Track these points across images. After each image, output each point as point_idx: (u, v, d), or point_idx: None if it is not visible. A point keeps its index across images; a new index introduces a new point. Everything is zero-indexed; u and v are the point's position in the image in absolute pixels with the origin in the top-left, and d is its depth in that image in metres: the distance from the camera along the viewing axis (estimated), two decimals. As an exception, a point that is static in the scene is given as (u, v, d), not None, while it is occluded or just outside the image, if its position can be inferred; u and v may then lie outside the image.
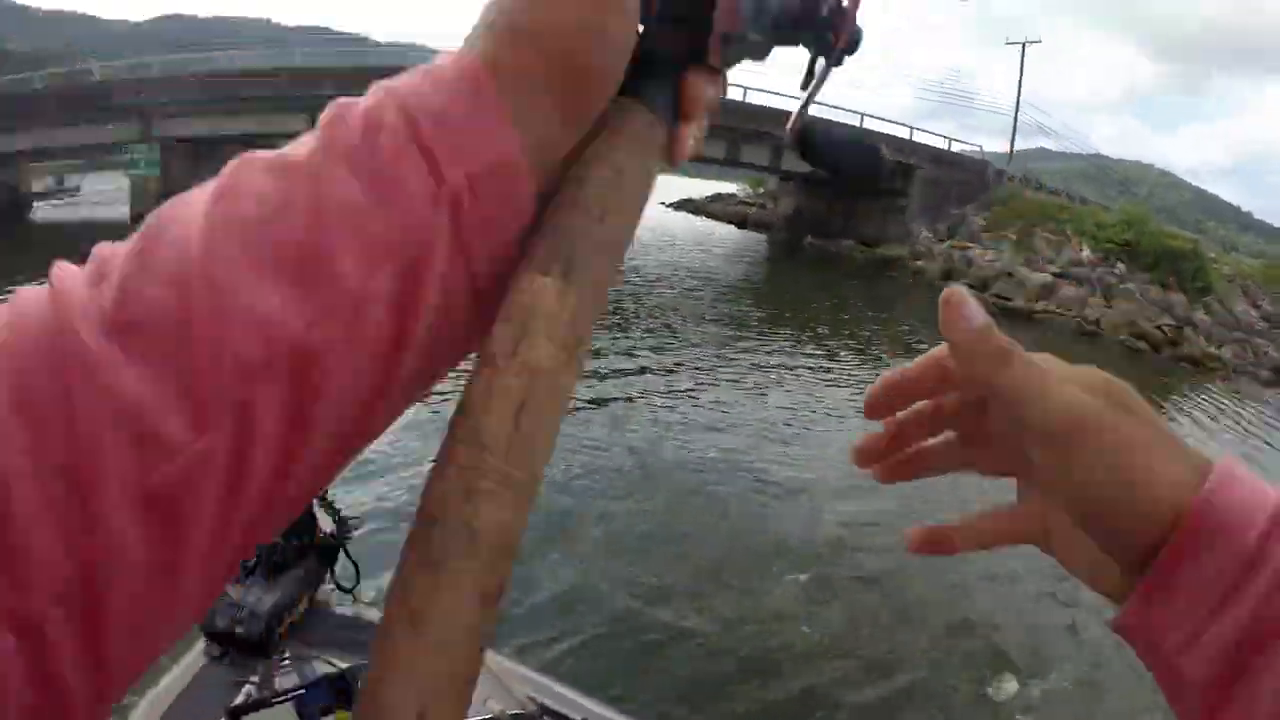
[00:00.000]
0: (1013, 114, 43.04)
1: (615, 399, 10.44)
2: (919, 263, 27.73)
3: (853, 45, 0.50)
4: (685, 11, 0.45)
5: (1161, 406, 15.74)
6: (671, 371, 12.35)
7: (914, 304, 22.45)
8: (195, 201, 0.39)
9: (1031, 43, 42.26)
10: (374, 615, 1.97)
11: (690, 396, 11.15)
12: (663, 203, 52.88)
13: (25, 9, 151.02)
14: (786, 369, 13.18)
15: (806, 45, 0.51)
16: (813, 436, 9.99)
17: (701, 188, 62.86)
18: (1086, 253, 26.69)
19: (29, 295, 0.36)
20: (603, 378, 11.22)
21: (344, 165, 0.38)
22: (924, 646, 5.54)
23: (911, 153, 33.27)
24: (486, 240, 0.41)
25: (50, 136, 27.87)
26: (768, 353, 14.11)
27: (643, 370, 12.13)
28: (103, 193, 38.26)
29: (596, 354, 12.43)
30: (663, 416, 10.11)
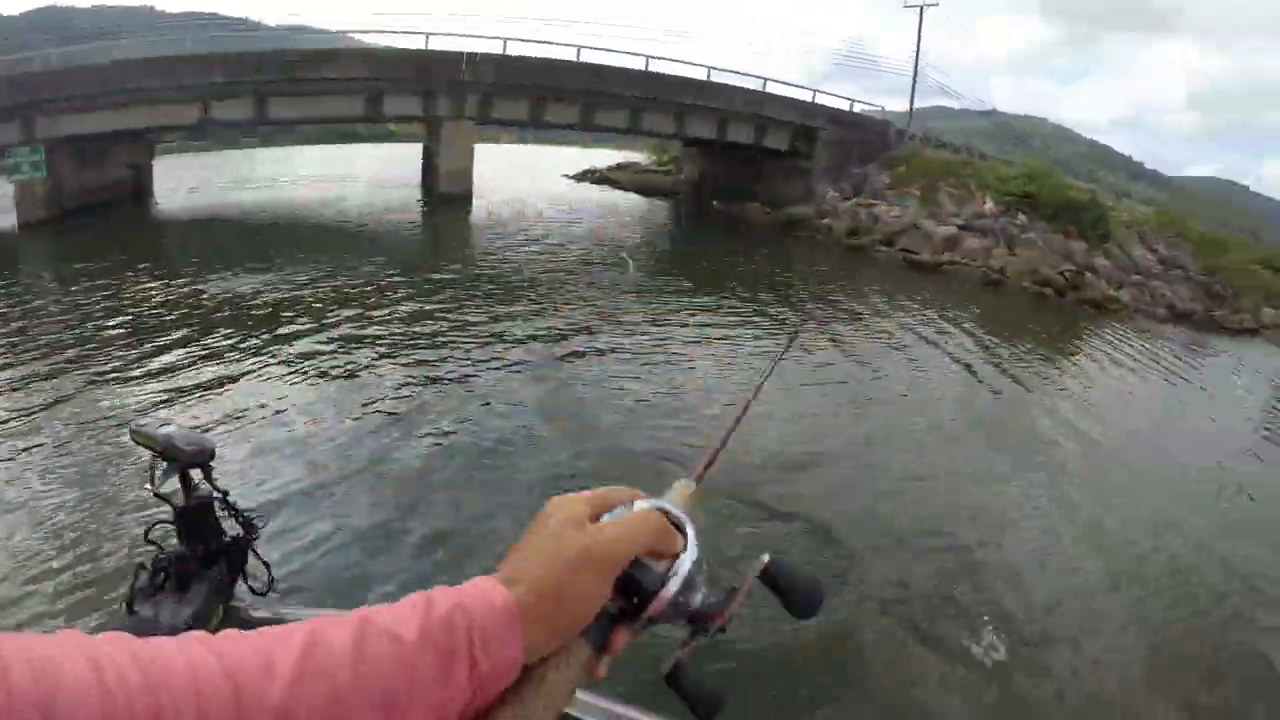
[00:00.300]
0: (912, 75, 43.43)
1: (542, 371, 10.24)
2: (825, 221, 27.64)
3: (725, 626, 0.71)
4: (632, 597, 0.69)
5: (1072, 346, 16.08)
6: (594, 341, 12.06)
7: (821, 259, 22.60)
8: (338, 646, 0.58)
9: (929, 4, 42.59)
10: (293, 613, 1.78)
11: (612, 361, 11.01)
12: (566, 175, 52.23)
13: None
14: (707, 329, 13.03)
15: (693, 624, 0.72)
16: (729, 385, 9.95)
17: (604, 157, 62.36)
18: (989, 205, 26.90)
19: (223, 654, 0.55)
20: (523, 354, 10.98)
21: (431, 652, 0.59)
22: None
23: (814, 115, 33.18)
24: (491, 692, 0.62)
25: None
26: (688, 315, 13.89)
27: (563, 339, 11.90)
28: None
29: (514, 328, 12.29)
30: (590, 379, 10.06)
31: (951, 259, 23.52)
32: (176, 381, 9.16)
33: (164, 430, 1.62)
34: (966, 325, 15.62)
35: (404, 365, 10.15)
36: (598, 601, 0.67)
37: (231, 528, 1.78)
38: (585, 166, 53.52)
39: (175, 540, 1.63)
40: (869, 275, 20.88)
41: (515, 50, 30.36)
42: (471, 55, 29.26)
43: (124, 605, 1.54)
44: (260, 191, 37.13)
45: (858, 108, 35.45)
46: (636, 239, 26.36)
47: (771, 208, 30.87)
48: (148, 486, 1.59)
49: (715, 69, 32.56)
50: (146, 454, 1.57)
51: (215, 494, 1.68)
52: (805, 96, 34.20)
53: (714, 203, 32.95)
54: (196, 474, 1.64)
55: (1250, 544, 7.37)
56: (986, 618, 5.54)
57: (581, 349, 11.44)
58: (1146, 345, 17.35)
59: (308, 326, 11.79)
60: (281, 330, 11.50)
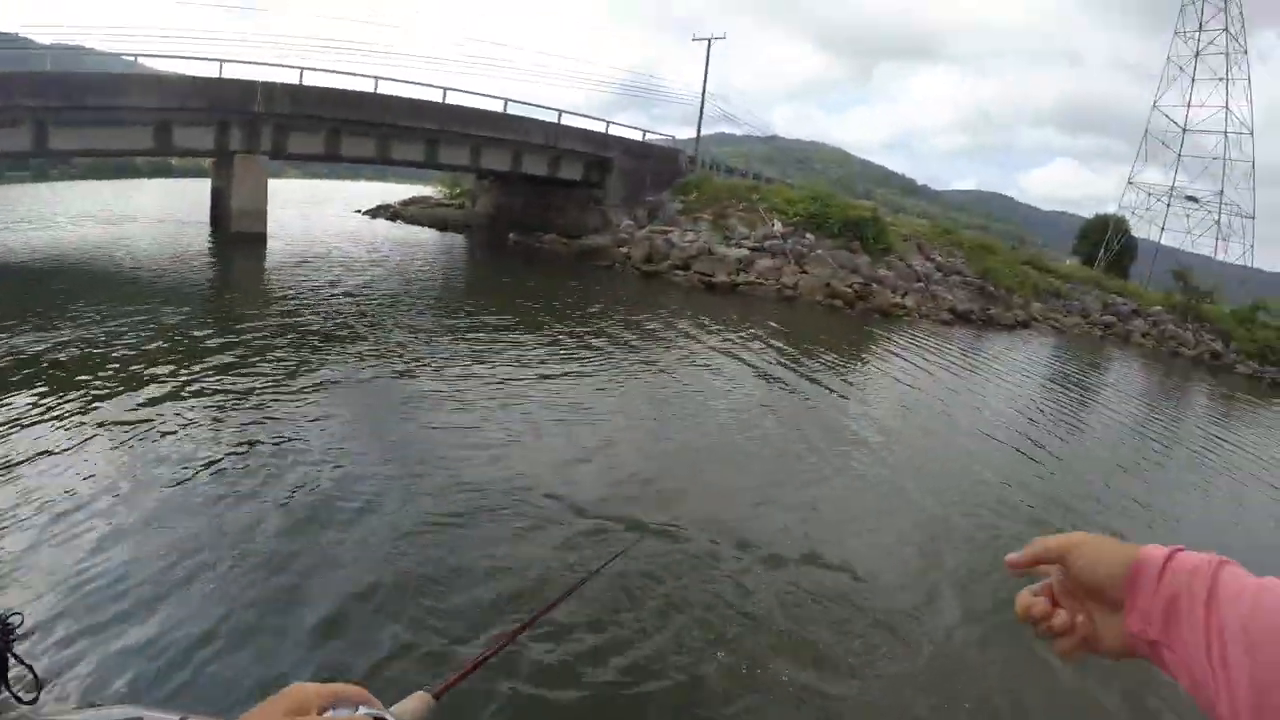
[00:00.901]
0: (696, 104, 44.67)
1: (374, 420, 9.80)
2: (623, 249, 27.90)
3: None
4: None
5: (869, 351, 16.86)
6: (420, 385, 11.68)
7: (621, 287, 22.82)
8: None
9: (716, 39, 43.89)
10: (64, 718, 1.77)
11: (424, 404, 10.73)
12: (359, 210, 51.06)
13: None
14: (515, 364, 12.83)
15: None
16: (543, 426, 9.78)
17: (396, 191, 61.31)
18: (778, 226, 28.03)
19: None
20: (348, 403, 10.50)
21: None
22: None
23: (607, 146, 33.68)
24: None
25: None
26: (507, 352, 13.65)
27: (388, 385, 11.52)
28: None
29: (335, 374, 11.76)
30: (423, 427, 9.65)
31: (746, 279, 24.24)
32: None
33: None
34: (767, 340, 16.15)
35: (221, 425, 9.19)
36: None
37: None
38: (378, 202, 52.35)
39: None
40: (671, 299, 21.14)
41: (312, 80, 29.39)
42: (267, 84, 27.95)
43: None
44: (35, 232, 34.58)
45: (648, 137, 36.27)
46: (432, 273, 26.09)
47: (569, 238, 30.87)
48: None
49: (512, 100, 32.50)
50: None
51: None
52: (599, 127, 34.70)
53: (510, 235, 32.64)
54: None
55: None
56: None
57: (408, 394, 11.00)
58: (934, 344, 18.51)
59: (108, 389, 10.80)
60: (75, 394, 10.28)
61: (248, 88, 27.74)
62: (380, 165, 34.71)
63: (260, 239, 28.92)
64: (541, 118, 33.01)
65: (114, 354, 12.71)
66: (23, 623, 1.53)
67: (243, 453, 8.33)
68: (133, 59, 27.72)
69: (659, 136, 38.10)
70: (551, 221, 33.63)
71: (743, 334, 16.58)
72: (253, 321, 15.96)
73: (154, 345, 13.32)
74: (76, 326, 14.65)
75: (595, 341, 14.96)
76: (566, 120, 33.40)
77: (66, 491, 7.27)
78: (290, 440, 8.69)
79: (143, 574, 5.86)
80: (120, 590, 5.68)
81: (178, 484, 7.51)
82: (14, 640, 1.54)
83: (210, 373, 11.57)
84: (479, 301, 19.29)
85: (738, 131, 63.40)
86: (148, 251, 27.47)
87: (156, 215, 42.71)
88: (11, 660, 1.57)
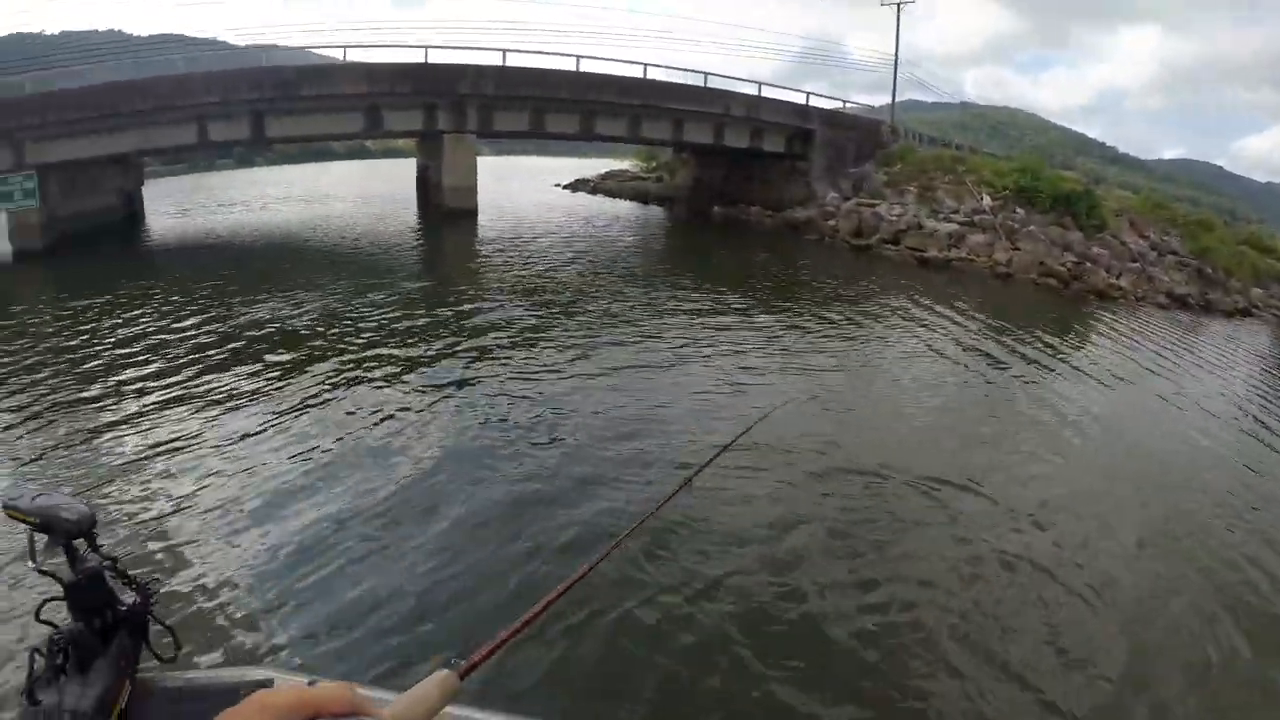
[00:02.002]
0: (883, 71, 43.96)
1: (558, 387, 10.26)
2: (830, 223, 27.90)
3: None
4: None
5: (1087, 332, 16.52)
6: (624, 351, 12.24)
7: (835, 263, 22.92)
8: None
9: (906, 2, 43.00)
10: (200, 678, 1.84)
11: (648, 373, 11.12)
12: (557, 184, 52.40)
13: None
14: (735, 339, 13.15)
15: None
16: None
17: (591, 166, 62.34)
18: (987, 200, 27.36)
19: None
20: (536, 369, 11.11)
21: None
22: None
23: (808, 117, 33.54)
24: None
25: None
26: (713, 327, 14.03)
27: (585, 354, 11.97)
28: None
29: (528, 343, 12.51)
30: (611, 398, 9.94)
31: (958, 255, 23.91)
32: (184, 424, 9.03)
33: (40, 501, 1.57)
34: (986, 319, 16.05)
35: (470, 395, 10.09)
36: None
37: (127, 597, 1.73)
38: (575, 176, 53.56)
39: (69, 618, 1.56)
40: (885, 274, 21.21)
41: (515, 62, 30.41)
42: (473, 67, 29.34)
43: (24, 696, 1.49)
44: (250, 214, 36.92)
45: (817, 102, 35.79)
46: (648, 244, 26.75)
47: (773, 211, 31.18)
48: (29, 564, 1.55)
49: (711, 74, 32.87)
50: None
51: (104, 563, 1.61)
52: (798, 98, 34.71)
53: (714, 208, 33.24)
54: (81, 544, 1.58)
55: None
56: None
57: (658, 362, 11.61)
58: (1156, 329, 17.98)
59: (347, 361, 11.82)
60: (316, 367, 11.37)
61: (454, 71, 29.19)
62: (583, 140, 35.67)
63: (471, 214, 30.26)
64: (740, 90, 33.30)
65: (365, 322, 13.87)
66: (160, 587, 1.77)
67: (497, 406, 9.32)
68: (340, 51, 29.41)
69: (851, 105, 37.76)
70: (753, 194, 33.90)
71: (962, 313, 16.47)
72: (481, 291, 17.05)
73: (401, 314, 14.40)
74: (325, 297, 15.92)
75: (828, 315, 15.27)
76: (766, 92, 33.61)
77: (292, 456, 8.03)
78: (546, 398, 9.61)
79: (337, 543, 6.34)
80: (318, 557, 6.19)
81: (416, 460, 8.06)
82: (153, 605, 1.71)
83: (460, 335, 12.68)
84: (695, 272, 19.85)
85: (927, 98, 61.84)
86: (367, 228, 29.20)
87: (361, 194, 45.06)
88: (152, 622, 1.75)
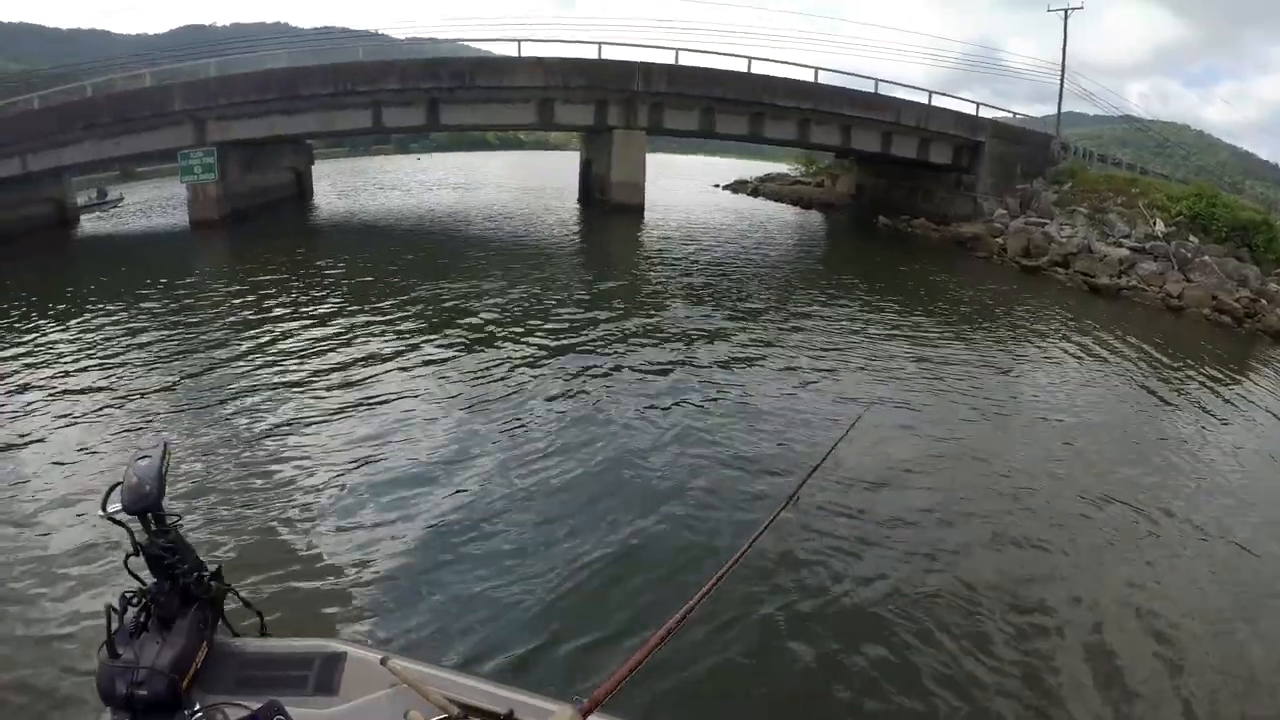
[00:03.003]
0: (1043, 80, 42.85)
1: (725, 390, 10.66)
2: (998, 240, 27.61)
3: None
4: None
5: (1254, 377, 15.90)
6: (805, 363, 12.60)
7: (1004, 283, 22.82)
8: None
9: (1074, 8, 41.51)
10: (275, 647, 1.99)
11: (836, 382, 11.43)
12: (716, 185, 52.84)
13: (41, 29, 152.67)
14: (911, 358, 13.45)
15: None
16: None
17: (748, 168, 62.37)
18: (1160, 226, 26.75)
19: None
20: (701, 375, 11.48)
21: None
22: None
23: (978, 129, 33.25)
24: None
25: (101, 148, 27.27)
26: (888, 341, 14.44)
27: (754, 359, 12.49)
28: (144, 202, 38.51)
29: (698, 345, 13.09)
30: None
31: (1129, 283, 23.40)
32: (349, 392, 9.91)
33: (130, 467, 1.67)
34: (1169, 358, 15.84)
35: (641, 384, 10.71)
36: None
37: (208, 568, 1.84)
38: (734, 177, 53.91)
39: (152, 577, 1.63)
40: (1056, 299, 21.06)
41: (687, 61, 31.01)
42: (645, 64, 30.10)
43: (104, 649, 1.55)
44: (410, 197, 38.43)
45: (984, 113, 34.95)
46: (816, 253, 27.06)
47: (938, 225, 31.09)
48: (99, 511, 1.61)
49: (881, 80, 33.05)
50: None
51: (167, 537, 1.68)
52: (968, 108, 34.42)
53: (880, 218, 33.32)
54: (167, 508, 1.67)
55: None
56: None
57: (793, 364, 12.19)
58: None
59: (548, 339, 12.77)
60: (478, 354, 11.97)
61: (626, 68, 29.95)
62: (751, 142, 36.08)
63: (638, 210, 30.96)
64: (910, 97, 33.33)
65: (545, 308, 14.84)
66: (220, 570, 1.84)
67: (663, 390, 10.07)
68: (515, 45, 30.44)
69: (1010, 115, 36.97)
70: (917, 205, 33.93)
71: (1141, 348, 16.30)
72: (649, 287, 17.82)
73: (555, 303, 15.32)
74: (491, 285, 16.84)
75: (1002, 340, 15.59)
76: (936, 101, 33.48)
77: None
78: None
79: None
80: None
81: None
82: (229, 584, 1.80)
83: (630, 331, 13.44)
84: (865, 286, 20.10)
85: (1089, 110, 59.57)
86: (529, 217, 30.44)
87: (519, 185, 46.13)
88: (233, 599, 1.84)
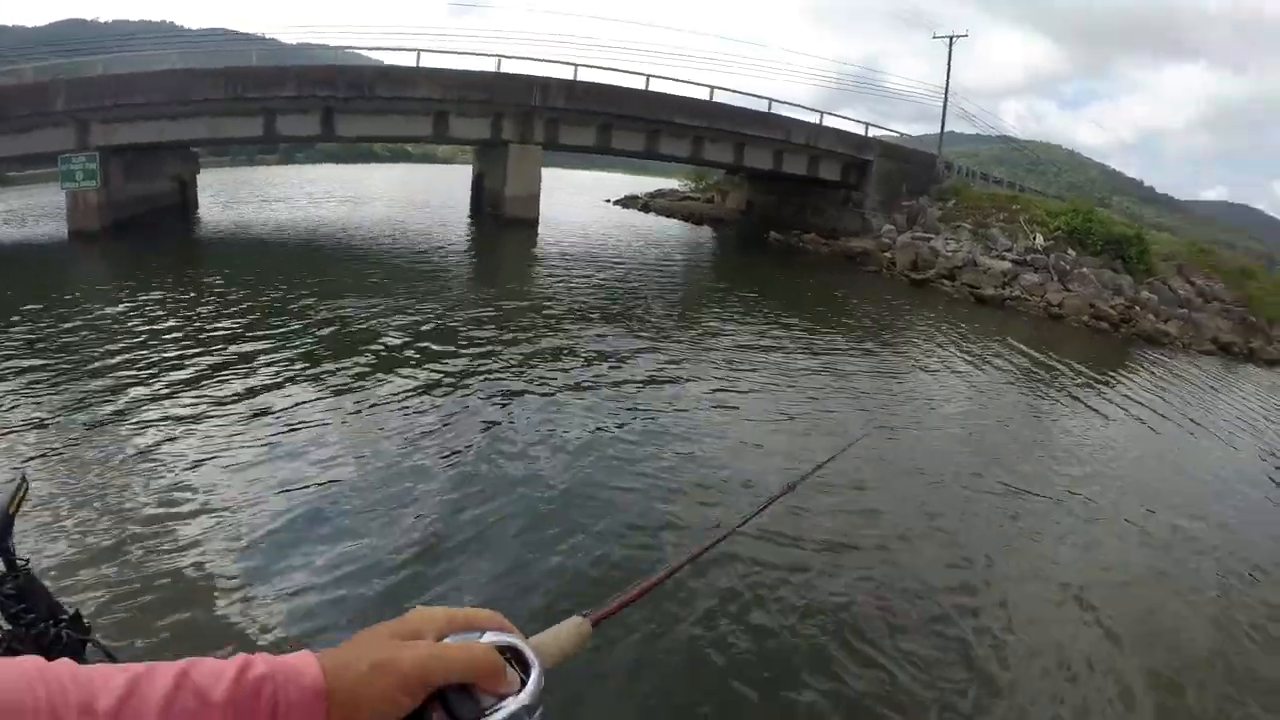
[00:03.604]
0: (922, 100, 44.33)
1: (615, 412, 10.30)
2: (887, 254, 28.31)
3: None
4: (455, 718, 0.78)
5: (1134, 377, 16.77)
6: (690, 383, 12.50)
7: (894, 294, 23.31)
8: (151, 700, 0.64)
9: (959, 36, 42.88)
10: None
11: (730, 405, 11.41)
12: (607, 200, 53.06)
13: None
14: (798, 367, 13.49)
15: None
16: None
17: (642, 184, 62.81)
18: (1040, 240, 27.98)
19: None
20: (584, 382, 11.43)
21: (232, 717, 0.66)
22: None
23: (866, 148, 34.04)
24: None
25: None
26: (777, 352, 14.46)
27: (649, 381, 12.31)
28: (14, 210, 36.71)
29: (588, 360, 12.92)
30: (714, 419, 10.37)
31: (1013, 294, 24.31)
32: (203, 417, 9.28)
33: None
34: (1051, 360, 16.52)
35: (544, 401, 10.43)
36: (394, 709, 0.74)
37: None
38: (625, 193, 54.19)
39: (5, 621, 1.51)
40: (943, 308, 21.69)
41: (585, 76, 30.95)
42: (543, 79, 29.84)
43: None
44: (297, 210, 37.43)
45: (872, 132, 36.00)
46: (709, 267, 27.27)
47: (827, 239, 31.65)
48: None
49: (775, 100, 33.44)
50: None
51: (12, 574, 1.51)
52: (857, 128, 35.30)
53: (772, 233, 33.75)
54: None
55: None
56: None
57: (680, 376, 12.09)
58: (1204, 375, 18.52)
59: (447, 354, 12.37)
60: (399, 370, 11.60)
61: (524, 82, 29.61)
62: (646, 159, 36.27)
63: (532, 224, 30.61)
64: (802, 117, 33.88)
65: (449, 326, 14.39)
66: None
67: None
68: (414, 54, 30.07)
69: (891, 133, 37.97)
70: (807, 221, 34.51)
71: (1026, 350, 16.98)
72: (542, 303, 17.52)
73: (463, 319, 14.99)
74: (379, 299, 16.34)
75: (902, 350, 15.86)
76: (827, 121, 34.15)
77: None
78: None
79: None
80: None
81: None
82: (91, 631, 1.62)
83: (520, 348, 13.17)
84: (759, 298, 20.33)
85: (968, 130, 61.74)
86: (421, 231, 29.63)
87: (408, 199, 45.43)
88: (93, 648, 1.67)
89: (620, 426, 9.51)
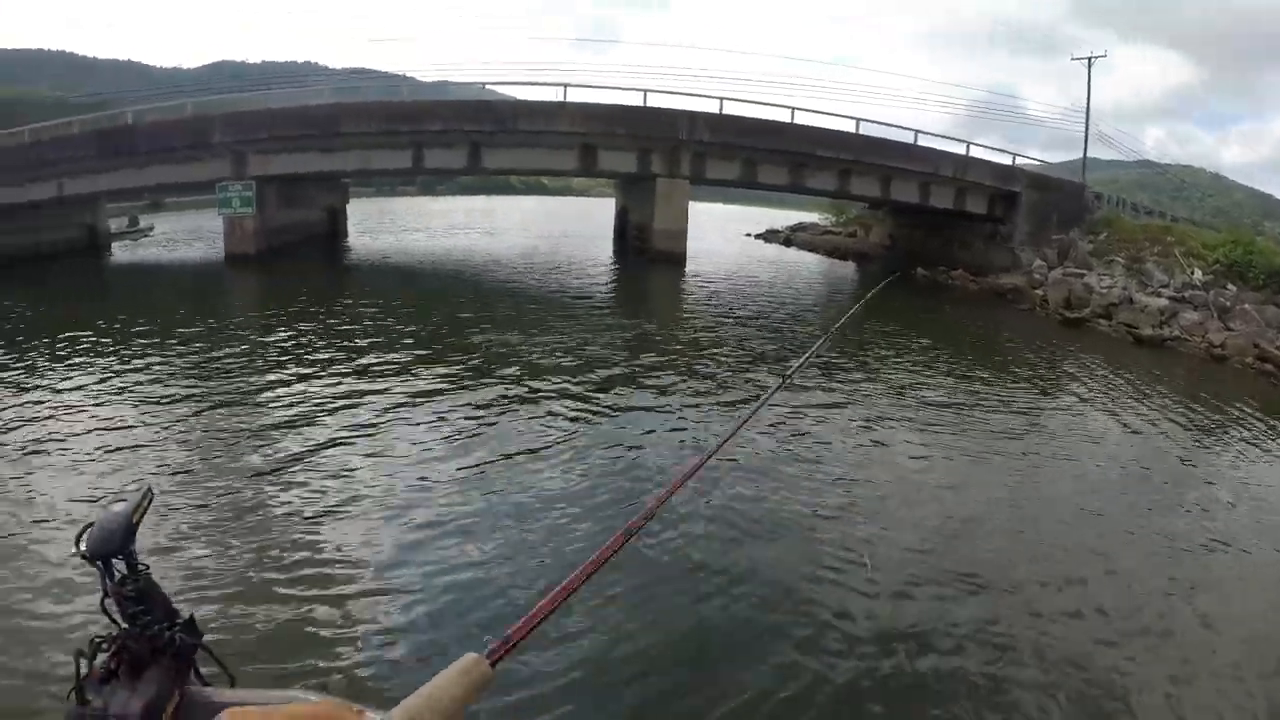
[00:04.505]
0: (1056, 126, 42.94)
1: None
2: (1039, 291, 27.73)
3: None
4: None
5: None
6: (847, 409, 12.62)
7: (1046, 333, 23.01)
8: None
9: (1097, 57, 41.85)
10: (249, 698, 1.69)
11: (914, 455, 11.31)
12: (748, 234, 53.37)
13: (77, 57, 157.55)
14: (962, 410, 13.49)
15: None
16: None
17: (777, 217, 62.86)
18: (1198, 275, 26.89)
19: None
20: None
21: None
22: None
23: (1013, 179, 33.59)
24: None
25: (138, 176, 28.22)
26: (945, 396, 14.50)
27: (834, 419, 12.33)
28: (172, 232, 39.31)
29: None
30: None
31: (1172, 334, 23.44)
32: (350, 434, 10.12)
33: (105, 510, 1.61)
34: (1215, 409, 15.66)
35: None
36: None
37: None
38: (765, 227, 54.62)
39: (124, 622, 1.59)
40: (1105, 352, 20.96)
41: (731, 110, 31.50)
42: (689, 113, 30.50)
43: (73, 695, 1.47)
44: (442, 238, 38.92)
45: (1018, 162, 35.57)
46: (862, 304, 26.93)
47: (975, 275, 31.33)
48: (72, 550, 1.54)
49: (921, 132, 33.44)
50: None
51: (133, 580, 1.58)
52: (1002, 159, 34.89)
53: (919, 269, 33.49)
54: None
55: None
56: None
57: (843, 423, 12.12)
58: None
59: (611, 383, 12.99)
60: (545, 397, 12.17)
61: (671, 116, 30.33)
62: (792, 192, 36.56)
63: (679, 259, 31.04)
64: (946, 148, 33.89)
65: (614, 358, 15.07)
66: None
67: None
68: (561, 89, 30.90)
69: (1031, 161, 37.20)
70: (954, 256, 34.19)
71: (1180, 398, 16.20)
72: (711, 338, 18.10)
73: (639, 349, 15.70)
74: (565, 336, 16.94)
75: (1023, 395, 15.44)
76: (973, 152, 33.94)
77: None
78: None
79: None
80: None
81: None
82: (203, 637, 1.66)
83: (704, 386, 13.57)
84: (913, 336, 20.22)
85: (1104, 155, 59.30)
86: (574, 266, 30.63)
87: (546, 231, 46.78)
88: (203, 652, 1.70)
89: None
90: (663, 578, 6.78)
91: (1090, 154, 41.76)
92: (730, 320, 20.81)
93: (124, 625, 1.52)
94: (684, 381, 13.86)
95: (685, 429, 11.27)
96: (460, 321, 17.99)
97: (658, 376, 14.06)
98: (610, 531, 1.34)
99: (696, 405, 12.47)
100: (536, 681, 5.18)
